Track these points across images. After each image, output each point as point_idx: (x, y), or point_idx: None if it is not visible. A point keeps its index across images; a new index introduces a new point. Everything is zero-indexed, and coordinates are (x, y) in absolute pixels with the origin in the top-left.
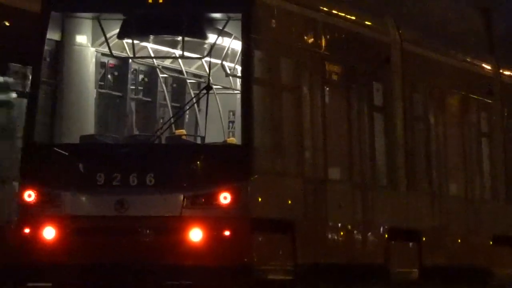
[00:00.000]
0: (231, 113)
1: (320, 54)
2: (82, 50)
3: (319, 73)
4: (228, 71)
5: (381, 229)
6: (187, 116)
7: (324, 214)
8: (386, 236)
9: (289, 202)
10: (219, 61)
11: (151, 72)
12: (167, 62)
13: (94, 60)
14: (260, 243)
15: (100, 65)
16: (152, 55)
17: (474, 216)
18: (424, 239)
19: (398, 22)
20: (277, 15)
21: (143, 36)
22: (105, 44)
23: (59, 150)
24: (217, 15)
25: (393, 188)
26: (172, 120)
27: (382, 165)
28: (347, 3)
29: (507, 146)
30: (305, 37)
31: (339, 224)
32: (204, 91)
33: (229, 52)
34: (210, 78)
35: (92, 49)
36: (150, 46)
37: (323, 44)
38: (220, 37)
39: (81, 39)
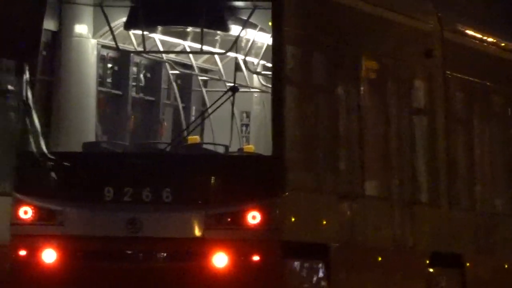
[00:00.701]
0: (244, 115)
1: (356, 48)
2: (81, 42)
3: (356, 72)
4: (242, 67)
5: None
6: (192, 118)
7: (361, 236)
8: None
9: (324, 222)
10: (236, 55)
11: (157, 68)
12: (171, 55)
13: (95, 53)
14: (292, 271)
15: (107, 61)
16: (160, 46)
17: None
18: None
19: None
20: (310, 3)
21: (155, 27)
22: (106, 35)
23: (61, 160)
24: (241, 4)
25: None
26: (193, 125)
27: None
28: None
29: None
30: (340, 29)
31: (377, 248)
32: (230, 93)
33: (250, 45)
34: (222, 72)
35: (93, 41)
36: (158, 37)
37: (359, 36)
38: (244, 29)
39: (81, 29)
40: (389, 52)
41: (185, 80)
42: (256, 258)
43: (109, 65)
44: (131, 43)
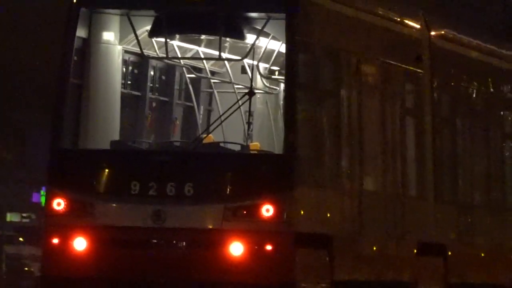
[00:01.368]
0: (247, 114)
1: (356, 55)
2: (109, 48)
3: (357, 76)
4: (248, 71)
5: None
6: (201, 117)
7: (359, 228)
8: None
9: (328, 215)
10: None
11: (170, 70)
12: (186, 60)
13: (120, 58)
14: (301, 259)
15: (128, 64)
16: (178, 52)
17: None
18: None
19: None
20: (319, 15)
21: (176, 35)
22: (129, 41)
23: (91, 157)
24: (257, 15)
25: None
26: (213, 126)
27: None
28: None
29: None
30: (342, 37)
31: (373, 239)
32: (247, 96)
33: (262, 51)
34: (230, 75)
35: (119, 47)
36: (176, 43)
37: (359, 43)
38: (259, 38)
39: (108, 36)
40: (384, 57)
41: (195, 82)
42: (269, 247)
43: (130, 69)
44: (151, 48)
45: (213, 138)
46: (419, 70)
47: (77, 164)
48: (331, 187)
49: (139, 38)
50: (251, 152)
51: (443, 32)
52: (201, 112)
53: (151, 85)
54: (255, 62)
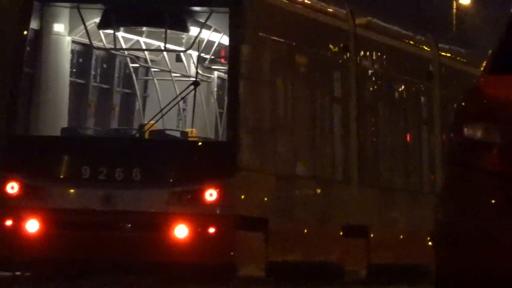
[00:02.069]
0: (185, 102)
1: (292, 45)
2: (59, 39)
3: (292, 66)
4: (183, 59)
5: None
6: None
7: (292, 211)
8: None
9: (265, 199)
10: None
11: (115, 60)
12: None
13: (69, 49)
14: (241, 241)
15: (75, 54)
16: (122, 42)
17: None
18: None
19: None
20: (259, 9)
21: (124, 27)
22: (79, 33)
23: (44, 142)
24: (201, 8)
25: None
26: (160, 114)
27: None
28: None
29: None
30: (279, 29)
31: (304, 222)
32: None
33: (202, 42)
34: (168, 64)
35: (69, 38)
36: (121, 34)
37: (294, 35)
38: (202, 30)
39: (59, 27)
40: (314, 47)
41: (135, 71)
42: (211, 230)
43: (76, 58)
44: (96, 39)
45: (155, 126)
46: (345, 58)
47: (30, 150)
48: (268, 172)
49: (87, 29)
50: (197, 139)
51: (366, 21)
52: (139, 99)
53: (94, 73)
54: (196, 53)
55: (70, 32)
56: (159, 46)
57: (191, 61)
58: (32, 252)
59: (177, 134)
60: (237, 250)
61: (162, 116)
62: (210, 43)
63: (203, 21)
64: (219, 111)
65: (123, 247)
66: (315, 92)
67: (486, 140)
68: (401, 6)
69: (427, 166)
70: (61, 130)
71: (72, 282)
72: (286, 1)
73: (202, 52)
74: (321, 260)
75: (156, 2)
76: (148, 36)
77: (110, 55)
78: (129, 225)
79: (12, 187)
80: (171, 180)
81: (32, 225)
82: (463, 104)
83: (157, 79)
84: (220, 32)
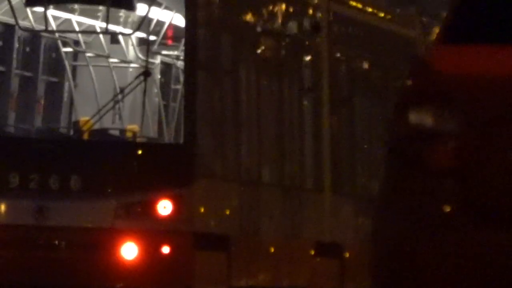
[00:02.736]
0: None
1: (255, 28)
2: None
3: (255, 53)
4: (121, 40)
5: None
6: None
7: (257, 226)
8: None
9: (227, 213)
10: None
11: (40, 43)
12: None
13: None
14: (200, 263)
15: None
16: (53, 22)
17: None
18: None
19: None
20: None
21: (56, 4)
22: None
23: None
24: None
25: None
26: (100, 108)
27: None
28: None
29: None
30: (241, 10)
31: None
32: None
33: (149, 22)
34: (105, 48)
35: None
36: (51, 13)
37: (258, 16)
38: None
39: None
40: (281, 29)
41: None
42: (166, 249)
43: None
44: (20, 17)
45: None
46: (317, 39)
47: None
48: (230, 180)
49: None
50: (148, 140)
51: None
52: (67, 89)
53: (16, 57)
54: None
55: None
56: (94, 26)
57: (130, 43)
58: None
59: (123, 134)
60: (196, 274)
61: (102, 111)
62: (159, 23)
63: None
64: (163, 103)
65: (59, 270)
66: (283, 83)
67: (438, 129)
68: None
69: None
70: None
71: None
72: None
73: (150, 34)
74: (289, 284)
75: None
76: (81, 14)
77: (36, 37)
78: (67, 244)
79: None
80: (117, 190)
81: None
82: (408, 82)
83: (92, 66)
84: (171, 10)
